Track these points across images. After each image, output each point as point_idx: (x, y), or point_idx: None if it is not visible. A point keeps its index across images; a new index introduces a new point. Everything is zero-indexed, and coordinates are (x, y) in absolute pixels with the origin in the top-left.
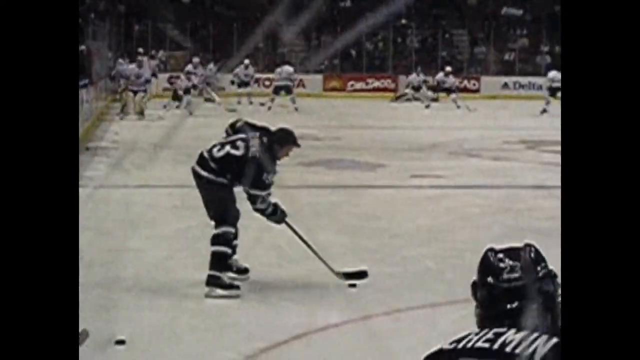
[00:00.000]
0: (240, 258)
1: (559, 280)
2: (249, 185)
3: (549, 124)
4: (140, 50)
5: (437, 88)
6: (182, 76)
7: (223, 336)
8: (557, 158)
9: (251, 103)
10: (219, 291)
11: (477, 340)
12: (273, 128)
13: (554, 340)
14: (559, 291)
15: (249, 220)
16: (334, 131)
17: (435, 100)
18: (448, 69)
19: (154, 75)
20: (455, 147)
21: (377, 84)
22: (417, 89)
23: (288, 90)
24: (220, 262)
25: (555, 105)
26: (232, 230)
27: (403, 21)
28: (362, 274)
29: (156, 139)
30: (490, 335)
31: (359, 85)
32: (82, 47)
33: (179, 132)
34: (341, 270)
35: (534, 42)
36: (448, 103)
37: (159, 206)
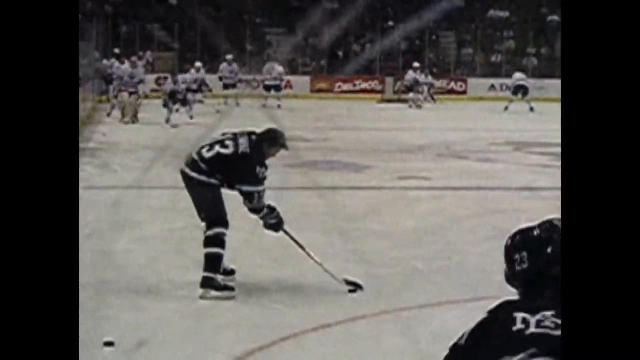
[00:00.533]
0: (227, 259)
1: None
2: (241, 182)
3: (535, 125)
4: (117, 51)
5: (411, 88)
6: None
7: (213, 338)
8: (544, 159)
9: (237, 105)
10: (214, 293)
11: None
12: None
13: None
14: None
15: (238, 221)
16: (321, 132)
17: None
18: (416, 64)
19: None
20: (442, 148)
21: (364, 85)
22: (409, 89)
23: (277, 89)
24: (213, 263)
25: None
26: (225, 231)
27: (390, 23)
28: (358, 286)
29: (149, 142)
30: None
31: (347, 86)
32: None
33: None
34: (344, 277)
35: (520, 44)
36: (437, 104)
37: (147, 207)
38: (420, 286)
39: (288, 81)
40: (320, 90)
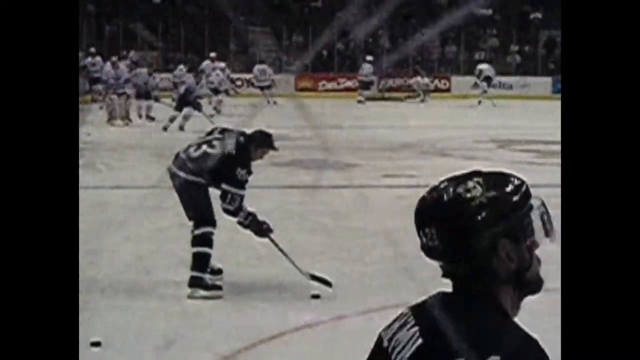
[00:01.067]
0: (214, 259)
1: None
2: (224, 182)
3: (519, 122)
4: (92, 50)
5: (363, 85)
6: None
7: (199, 337)
8: (529, 157)
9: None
10: (202, 292)
11: None
12: (249, 130)
13: None
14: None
15: (222, 221)
16: (306, 131)
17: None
18: (369, 57)
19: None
20: (427, 146)
21: (348, 83)
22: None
23: (269, 88)
24: (202, 263)
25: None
26: (213, 230)
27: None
28: (327, 282)
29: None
30: None
31: (331, 85)
32: None
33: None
34: (311, 272)
35: (503, 42)
36: (419, 102)
37: (133, 207)
38: (407, 284)
39: (273, 80)
40: (304, 89)
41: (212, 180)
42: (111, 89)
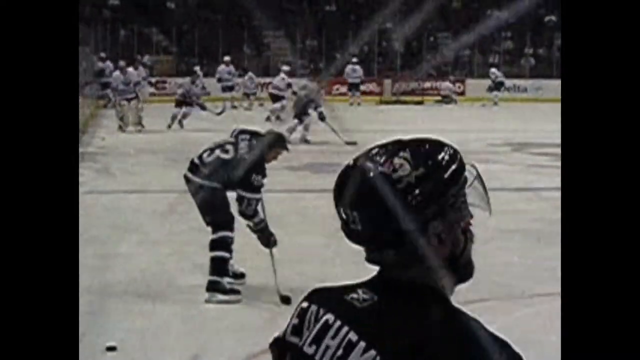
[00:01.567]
0: (235, 263)
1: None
2: (238, 186)
3: (533, 126)
4: (103, 55)
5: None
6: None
7: (215, 341)
8: (543, 160)
9: (234, 107)
10: (220, 296)
11: None
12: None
13: None
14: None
15: (237, 224)
16: (321, 135)
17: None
18: (354, 59)
19: (144, 79)
20: None
21: (362, 87)
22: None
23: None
24: (220, 267)
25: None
26: (230, 234)
27: (388, 25)
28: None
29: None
30: None
31: (344, 88)
32: None
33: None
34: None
35: (518, 45)
36: (432, 105)
37: (148, 211)
38: None
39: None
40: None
41: (227, 185)
42: (121, 95)
